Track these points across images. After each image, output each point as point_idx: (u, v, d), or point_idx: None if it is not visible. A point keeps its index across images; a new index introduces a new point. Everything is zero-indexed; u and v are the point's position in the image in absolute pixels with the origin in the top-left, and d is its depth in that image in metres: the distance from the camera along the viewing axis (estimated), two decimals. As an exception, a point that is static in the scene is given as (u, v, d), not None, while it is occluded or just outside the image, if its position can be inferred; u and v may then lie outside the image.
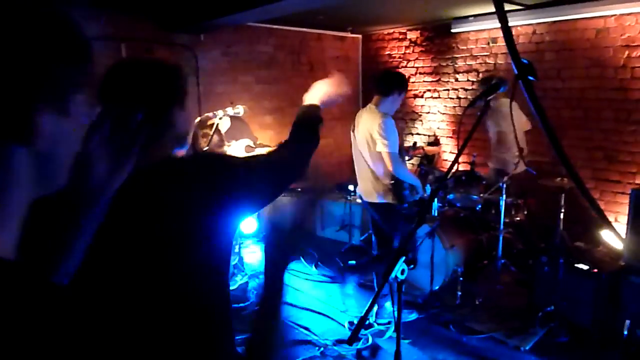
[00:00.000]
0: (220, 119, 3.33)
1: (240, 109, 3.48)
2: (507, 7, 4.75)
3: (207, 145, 3.25)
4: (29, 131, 0.60)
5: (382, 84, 3.55)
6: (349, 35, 6.69)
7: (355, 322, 3.70)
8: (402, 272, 1.52)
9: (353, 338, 1.47)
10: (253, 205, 1.25)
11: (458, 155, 1.63)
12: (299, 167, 1.48)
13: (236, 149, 4.16)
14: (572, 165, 0.90)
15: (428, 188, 4.20)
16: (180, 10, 4.59)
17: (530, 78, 0.76)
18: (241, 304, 3.94)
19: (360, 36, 6.83)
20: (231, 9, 4.02)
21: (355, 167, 3.71)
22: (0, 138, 0.58)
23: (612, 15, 4.36)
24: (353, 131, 3.67)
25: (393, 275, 1.49)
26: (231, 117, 3.56)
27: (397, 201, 3.52)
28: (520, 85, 0.73)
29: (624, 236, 3.42)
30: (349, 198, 5.20)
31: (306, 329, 3.63)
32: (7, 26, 0.59)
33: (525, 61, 0.76)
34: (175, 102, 1.16)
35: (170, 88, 1.15)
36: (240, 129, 4.32)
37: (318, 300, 4.03)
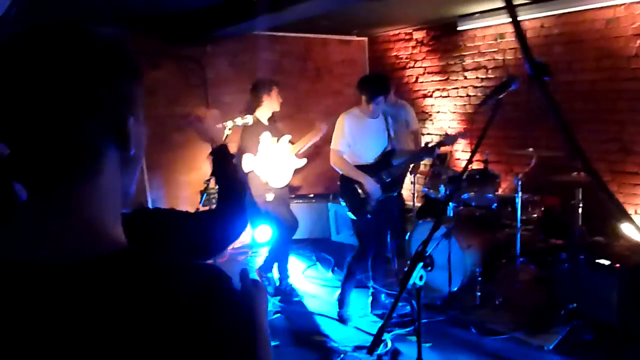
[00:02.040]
0: (229, 129, 3.32)
1: (248, 119, 3.46)
2: (515, 0, 4.70)
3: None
4: (126, 137, 0.67)
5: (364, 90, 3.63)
6: (355, 38, 6.68)
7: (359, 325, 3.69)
8: (421, 278, 1.50)
9: (373, 348, 1.44)
10: None
11: (472, 155, 1.60)
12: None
13: (281, 146, 4.21)
14: (588, 160, 0.87)
15: (442, 188, 4.16)
16: (185, 22, 4.61)
17: (545, 78, 0.73)
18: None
19: (365, 39, 6.81)
20: (235, 19, 4.03)
21: None
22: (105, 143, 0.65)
23: (621, 4, 4.28)
24: None
25: (411, 282, 1.46)
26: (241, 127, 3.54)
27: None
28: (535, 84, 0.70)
29: (645, 229, 3.34)
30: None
31: (325, 335, 3.60)
32: (78, 52, 0.63)
33: (539, 61, 0.74)
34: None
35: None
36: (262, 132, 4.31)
37: (335, 306, 3.99)
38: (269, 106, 4.16)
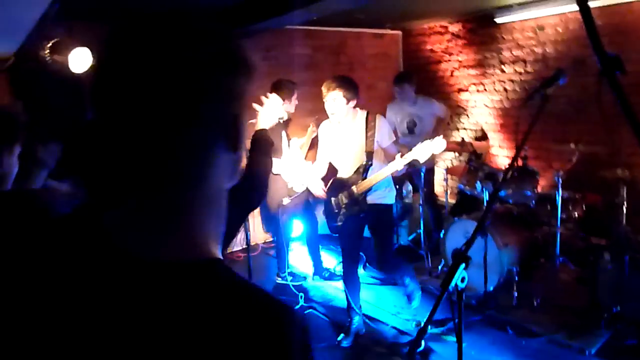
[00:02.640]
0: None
1: (284, 114, 3.46)
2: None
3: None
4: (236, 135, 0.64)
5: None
6: (389, 32, 6.58)
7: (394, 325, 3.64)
8: (463, 279, 1.45)
9: (412, 351, 1.41)
10: None
11: (518, 152, 1.55)
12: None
13: (293, 150, 4.28)
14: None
15: (479, 185, 4.06)
16: (219, 17, 4.63)
17: (617, 72, 0.68)
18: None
19: (400, 32, 6.71)
20: (269, 13, 4.02)
21: None
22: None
23: (671, -6, 4.08)
24: None
25: (453, 283, 1.42)
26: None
27: None
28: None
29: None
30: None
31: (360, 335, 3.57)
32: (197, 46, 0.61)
33: (611, 54, 0.68)
34: None
35: None
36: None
37: (368, 304, 3.95)
38: (287, 109, 4.19)
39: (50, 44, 3.44)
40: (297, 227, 4.93)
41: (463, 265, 1.43)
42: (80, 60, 3.47)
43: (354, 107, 3.30)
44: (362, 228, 3.40)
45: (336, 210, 3.34)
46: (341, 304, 3.98)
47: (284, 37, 5.64)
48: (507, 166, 3.82)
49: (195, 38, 0.61)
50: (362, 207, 3.23)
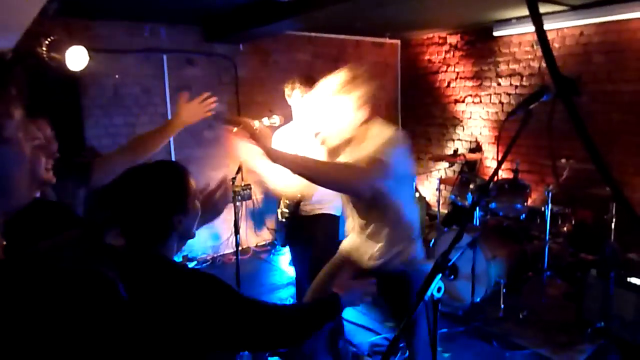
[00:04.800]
0: (255, 129, 3.34)
1: (276, 119, 3.47)
2: (552, 8, 4.57)
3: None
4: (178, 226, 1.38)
5: None
6: (387, 41, 6.63)
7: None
8: (439, 289, 1.47)
9: (387, 356, 1.42)
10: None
11: (500, 164, 1.56)
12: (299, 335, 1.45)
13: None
14: (612, 178, 0.83)
15: (470, 197, 4.09)
16: (220, 20, 4.66)
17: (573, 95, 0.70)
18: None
19: (398, 42, 6.76)
20: (269, 18, 4.05)
21: None
22: None
23: (666, 14, 4.12)
24: None
25: (429, 293, 1.43)
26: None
27: None
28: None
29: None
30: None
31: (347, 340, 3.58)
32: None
33: (569, 77, 0.71)
34: None
35: None
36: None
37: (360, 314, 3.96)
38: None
39: (47, 41, 3.45)
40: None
41: (440, 275, 1.44)
42: (76, 58, 3.49)
43: None
44: None
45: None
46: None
47: (284, 43, 5.67)
48: (495, 179, 3.86)
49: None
50: None
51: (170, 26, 4.84)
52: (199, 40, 5.06)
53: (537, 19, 0.61)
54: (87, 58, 3.52)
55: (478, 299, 3.74)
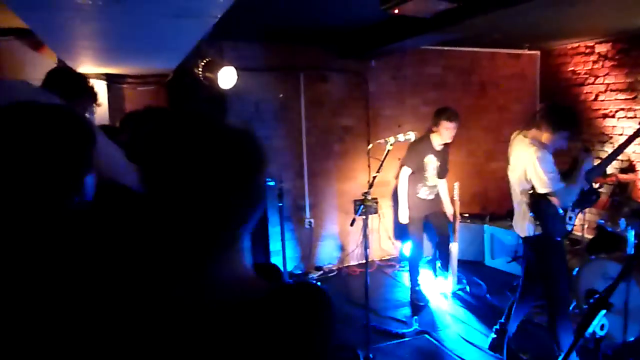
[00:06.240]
0: (391, 145, 3.37)
1: (411, 135, 3.47)
2: None
3: (378, 172, 3.31)
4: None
5: (552, 118, 3.02)
6: (526, 52, 6.26)
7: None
8: (602, 327, 1.34)
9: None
10: None
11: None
12: None
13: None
14: None
15: (623, 223, 3.69)
16: (353, 38, 4.78)
17: None
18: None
19: (538, 52, 6.34)
20: (403, 35, 4.06)
21: (512, 195, 3.35)
22: None
23: None
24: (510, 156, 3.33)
25: (591, 330, 1.32)
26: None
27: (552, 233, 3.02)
28: None
29: None
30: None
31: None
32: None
33: None
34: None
35: None
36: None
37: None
38: (438, 135, 4.26)
39: (203, 63, 3.83)
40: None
41: (604, 311, 1.32)
42: (227, 77, 3.82)
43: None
44: None
45: None
46: (454, 333, 3.86)
47: (415, 57, 5.65)
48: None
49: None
50: None
51: (305, 45, 5.08)
52: (332, 58, 5.24)
53: None
54: (236, 77, 3.84)
55: (631, 339, 3.34)
